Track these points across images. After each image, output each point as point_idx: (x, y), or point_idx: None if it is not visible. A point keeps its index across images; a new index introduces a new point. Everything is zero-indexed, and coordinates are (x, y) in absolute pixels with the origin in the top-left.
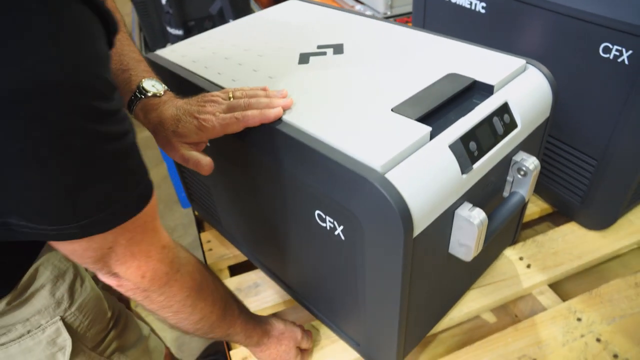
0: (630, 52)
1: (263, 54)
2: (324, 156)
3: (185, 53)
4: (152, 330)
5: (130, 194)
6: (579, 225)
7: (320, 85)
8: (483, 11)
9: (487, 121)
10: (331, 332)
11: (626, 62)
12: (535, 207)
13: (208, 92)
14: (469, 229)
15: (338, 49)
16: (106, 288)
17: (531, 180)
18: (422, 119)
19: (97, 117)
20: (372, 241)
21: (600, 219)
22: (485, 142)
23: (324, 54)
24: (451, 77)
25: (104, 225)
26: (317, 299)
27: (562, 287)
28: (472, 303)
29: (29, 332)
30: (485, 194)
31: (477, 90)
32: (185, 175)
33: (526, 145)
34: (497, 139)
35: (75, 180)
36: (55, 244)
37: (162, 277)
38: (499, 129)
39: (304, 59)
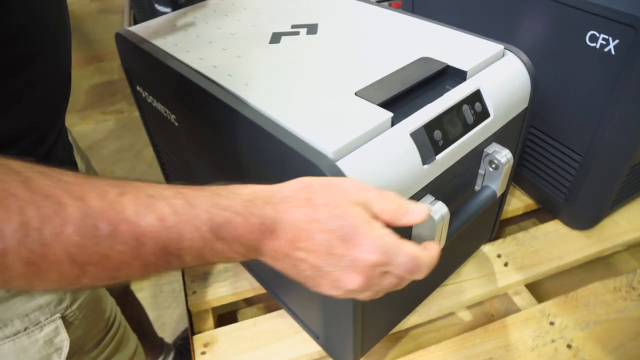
0: (616, 41)
1: (235, 33)
2: (277, 139)
3: (158, 29)
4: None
5: None
6: (563, 224)
7: (287, 66)
8: None
9: (456, 109)
10: (295, 323)
11: (612, 52)
12: (520, 203)
13: (174, 71)
14: (429, 223)
15: (312, 29)
16: (108, 288)
17: (503, 174)
18: (385, 104)
19: None
20: None
21: (584, 218)
22: (452, 131)
23: (297, 34)
24: (423, 61)
25: None
26: (280, 288)
27: (541, 287)
28: (444, 301)
29: (25, 329)
30: (453, 187)
31: (449, 76)
32: (160, 155)
33: (501, 137)
34: (466, 128)
35: None
36: None
37: None
38: (469, 118)
39: (275, 38)
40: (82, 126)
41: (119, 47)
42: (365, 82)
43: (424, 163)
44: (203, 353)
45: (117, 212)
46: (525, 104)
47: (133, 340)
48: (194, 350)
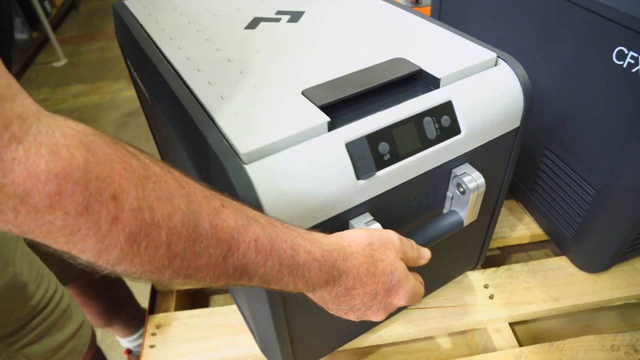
0: None
1: (218, 14)
2: (200, 132)
3: (147, 5)
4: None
5: None
6: (571, 262)
7: (249, 55)
8: None
9: (414, 121)
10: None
11: None
12: (527, 231)
13: (144, 52)
14: None
15: (295, 16)
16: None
17: (471, 201)
18: (329, 107)
19: None
20: None
21: (592, 260)
22: (405, 145)
23: (278, 20)
24: (396, 62)
25: None
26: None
27: (537, 326)
28: (409, 325)
29: None
30: (408, 207)
31: (423, 82)
32: (156, 140)
33: (478, 159)
34: (425, 144)
35: None
36: None
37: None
38: (431, 132)
39: (254, 23)
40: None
41: (114, 20)
42: (321, 80)
43: (358, 177)
44: (153, 334)
45: (222, 219)
46: (516, 123)
47: (76, 320)
48: (146, 330)
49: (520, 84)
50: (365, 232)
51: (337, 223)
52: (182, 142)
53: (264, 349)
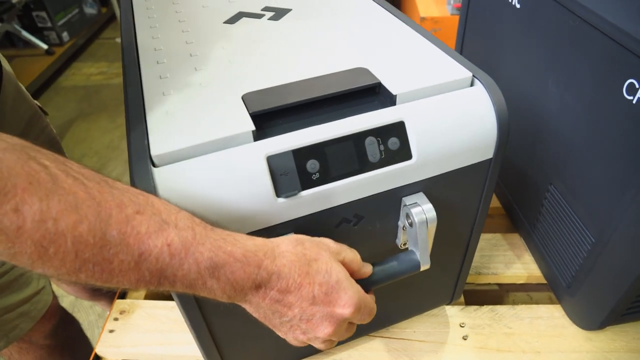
0: None
1: (208, 6)
2: (129, 126)
3: None
4: None
5: None
6: (565, 313)
7: (215, 51)
8: (518, 5)
9: (353, 140)
10: None
11: None
12: (524, 271)
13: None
14: None
15: (280, 14)
16: None
17: (419, 236)
18: (261, 116)
19: None
20: None
21: (584, 315)
22: (339, 165)
23: (260, 17)
24: (356, 73)
25: None
26: None
27: None
28: (368, 353)
29: None
30: (348, 232)
31: (380, 98)
32: None
33: (438, 189)
34: (364, 166)
35: None
36: None
37: None
38: (373, 154)
39: (235, 18)
40: None
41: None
42: (268, 85)
43: (279, 195)
44: (116, 319)
45: (132, 226)
46: (487, 154)
47: (34, 286)
48: (110, 314)
49: (495, 110)
50: (296, 235)
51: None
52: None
53: None
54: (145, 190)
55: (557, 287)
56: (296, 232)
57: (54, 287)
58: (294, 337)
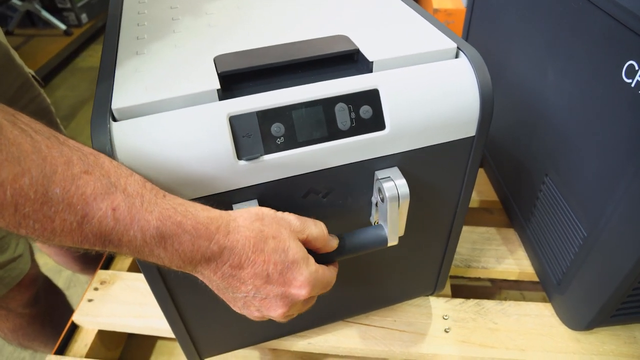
0: None
1: None
2: (98, 82)
3: None
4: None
5: None
6: (554, 311)
7: (198, 15)
8: None
9: (322, 105)
10: None
11: None
12: (515, 267)
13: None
14: None
15: None
16: None
17: (389, 212)
18: (229, 77)
19: None
20: None
21: (573, 314)
22: (306, 131)
23: None
24: (334, 39)
25: None
26: None
27: None
28: (344, 340)
29: None
30: (317, 204)
31: (358, 66)
32: None
33: (414, 166)
34: (334, 134)
35: None
36: None
37: None
38: (344, 122)
39: None
40: None
41: None
42: (243, 48)
43: (240, 157)
44: (96, 289)
45: (77, 186)
46: (470, 132)
47: (10, 252)
48: (90, 283)
49: (478, 84)
50: (258, 208)
51: (217, 204)
52: None
53: None
54: (102, 146)
55: (548, 284)
56: (260, 200)
57: (53, 265)
58: (249, 313)
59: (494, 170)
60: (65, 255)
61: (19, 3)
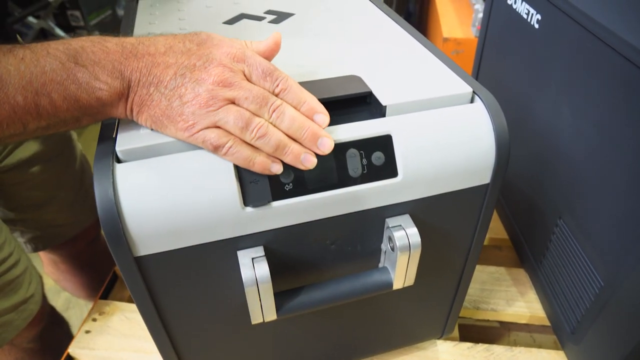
0: None
1: (210, 6)
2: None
3: None
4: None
5: None
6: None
7: None
8: (537, 26)
9: (334, 151)
10: None
11: None
12: (526, 310)
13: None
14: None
15: (281, 17)
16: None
17: (400, 261)
18: None
19: None
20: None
21: None
22: (315, 177)
23: (261, 19)
24: (347, 80)
25: None
26: None
27: None
28: None
29: None
30: (324, 251)
31: (371, 108)
32: None
33: (426, 213)
34: (344, 181)
35: None
36: None
37: None
38: (355, 168)
39: (236, 19)
40: None
41: None
42: None
43: (246, 204)
44: (94, 320)
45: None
46: (484, 179)
47: (22, 294)
48: (89, 314)
49: (494, 131)
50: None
51: (222, 249)
52: None
53: None
54: (104, 188)
55: (561, 331)
56: (266, 247)
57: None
58: (195, 97)
59: (505, 208)
60: (73, 281)
61: (34, 21)
